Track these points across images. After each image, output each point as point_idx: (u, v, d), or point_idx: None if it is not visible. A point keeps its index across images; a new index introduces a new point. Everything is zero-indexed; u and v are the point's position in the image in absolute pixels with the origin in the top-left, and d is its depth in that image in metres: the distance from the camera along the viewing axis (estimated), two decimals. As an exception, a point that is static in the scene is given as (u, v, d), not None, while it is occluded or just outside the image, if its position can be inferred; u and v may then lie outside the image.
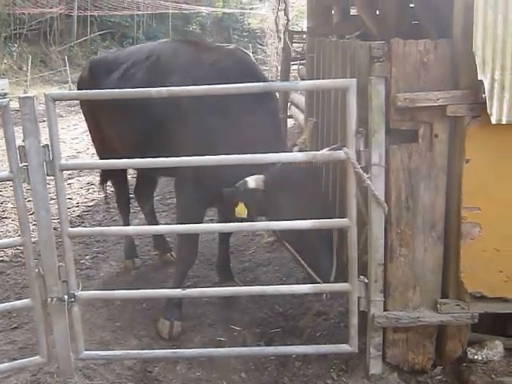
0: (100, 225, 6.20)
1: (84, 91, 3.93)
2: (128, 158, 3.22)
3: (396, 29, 4.27)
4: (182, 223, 3.67)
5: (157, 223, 5.38)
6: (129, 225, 5.10)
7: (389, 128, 2.83)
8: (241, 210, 3.29)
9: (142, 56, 4.21)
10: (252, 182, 3.26)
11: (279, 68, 10.84)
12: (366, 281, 3.00)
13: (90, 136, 5.03)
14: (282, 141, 3.84)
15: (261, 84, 2.91)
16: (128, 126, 4.11)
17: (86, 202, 7.23)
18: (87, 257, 5.33)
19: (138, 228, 3.80)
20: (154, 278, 4.77)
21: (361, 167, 2.81)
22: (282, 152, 3.21)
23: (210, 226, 3.90)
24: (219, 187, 3.33)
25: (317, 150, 4.47)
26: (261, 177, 3.27)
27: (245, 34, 34.03)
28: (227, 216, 3.40)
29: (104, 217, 6.54)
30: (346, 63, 3.39)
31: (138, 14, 30.41)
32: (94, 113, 4.52)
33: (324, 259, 3.28)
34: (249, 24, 34.09)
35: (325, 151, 3.15)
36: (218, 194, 3.34)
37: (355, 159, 2.81)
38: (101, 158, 4.82)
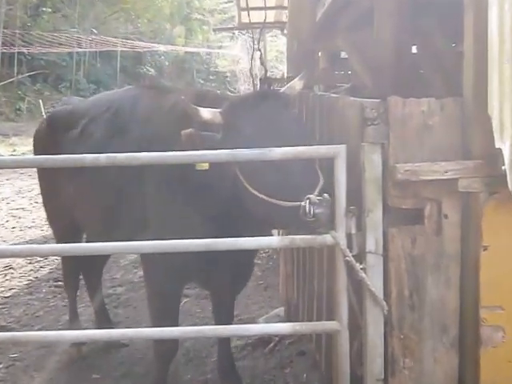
0: (19, 323, 6.09)
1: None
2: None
3: (394, 80, 4.40)
4: (153, 306, 3.88)
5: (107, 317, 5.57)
6: (76, 312, 5.45)
7: (387, 206, 2.87)
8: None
9: (102, 108, 4.47)
10: (206, 111, 3.24)
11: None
12: (361, 401, 2.96)
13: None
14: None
15: (224, 152, 2.94)
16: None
17: (1, 292, 7.10)
18: (0, 365, 5.20)
19: (80, 333, 3.72)
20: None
21: (353, 255, 2.83)
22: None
23: (195, 330, 3.81)
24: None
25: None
26: (216, 110, 3.29)
27: (212, 77, 34.79)
28: (222, 301, 3.43)
29: (24, 312, 6.43)
30: (334, 124, 3.46)
31: (78, 52, 30.90)
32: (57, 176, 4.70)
33: None
34: (217, 66, 34.90)
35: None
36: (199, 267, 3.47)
37: (345, 245, 2.83)
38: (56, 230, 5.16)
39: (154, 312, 4.08)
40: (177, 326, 4.04)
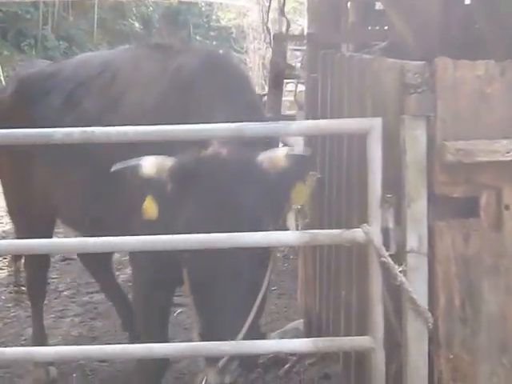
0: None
1: None
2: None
3: (442, 37, 4.38)
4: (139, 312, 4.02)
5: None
6: (42, 324, 5.47)
7: (433, 195, 2.88)
8: (149, 206, 3.36)
9: (93, 71, 4.49)
10: (150, 165, 3.28)
11: (266, 88, 11.00)
12: None
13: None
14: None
15: (231, 126, 2.95)
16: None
17: None
18: None
19: (49, 350, 3.72)
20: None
21: (390, 255, 2.83)
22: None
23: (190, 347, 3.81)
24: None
25: (320, 221, 4.60)
26: (167, 160, 3.31)
27: (213, 33, 34.68)
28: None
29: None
30: (366, 92, 3.46)
31: (45, 2, 30.86)
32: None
33: None
34: (219, 20, 34.77)
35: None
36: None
37: (381, 243, 2.84)
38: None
39: (139, 319, 4.23)
40: (166, 338, 4.10)
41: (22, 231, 5.27)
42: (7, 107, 4.90)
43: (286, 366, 4.86)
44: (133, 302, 4.36)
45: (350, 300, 3.80)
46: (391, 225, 2.88)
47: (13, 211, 5.41)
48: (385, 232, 2.88)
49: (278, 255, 7.59)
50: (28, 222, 5.11)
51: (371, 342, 2.91)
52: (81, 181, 4.39)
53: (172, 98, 3.87)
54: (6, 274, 7.68)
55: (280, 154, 3.29)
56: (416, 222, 2.86)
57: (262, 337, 3.62)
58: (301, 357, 4.96)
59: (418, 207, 2.86)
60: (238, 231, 3.00)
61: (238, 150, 3.29)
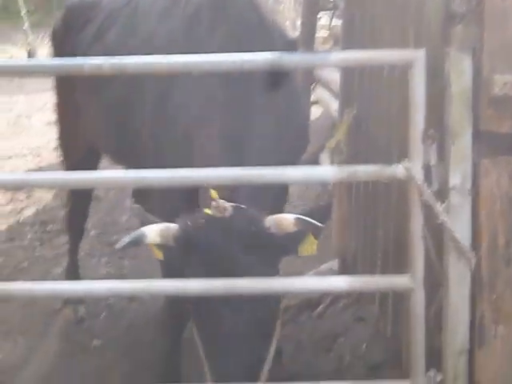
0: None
1: None
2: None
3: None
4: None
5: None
6: (76, 262, 5.70)
7: (478, 130, 2.86)
8: (155, 252, 3.40)
9: (122, 1, 4.66)
10: (154, 234, 3.29)
11: (298, 22, 10.88)
12: (439, 378, 2.99)
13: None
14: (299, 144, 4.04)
15: (267, 56, 2.92)
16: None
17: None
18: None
19: (78, 286, 3.77)
20: (89, 365, 4.81)
21: (432, 193, 2.82)
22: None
23: (223, 284, 3.88)
24: None
25: (357, 158, 4.58)
26: (171, 227, 3.32)
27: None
28: None
29: (4, 263, 6.57)
30: (408, 22, 3.42)
31: None
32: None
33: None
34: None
35: None
36: None
37: (422, 180, 2.82)
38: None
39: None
40: None
41: (66, 164, 5.48)
42: (58, 34, 5.19)
43: (320, 308, 4.90)
44: None
45: (387, 239, 3.81)
46: (433, 161, 2.86)
47: (60, 142, 5.60)
48: (427, 169, 2.86)
49: (311, 195, 7.63)
50: (71, 155, 5.32)
51: (411, 281, 2.90)
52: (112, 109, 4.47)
53: (180, 30, 3.95)
54: (32, 213, 7.77)
55: (289, 219, 3.23)
56: (460, 159, 2.85)
57: None
58: (335, 299, 4.99)
59: (463, 143, 2.84)
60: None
61: (243, 210, 3.28)
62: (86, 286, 3.63)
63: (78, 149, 5.19)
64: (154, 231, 3.27)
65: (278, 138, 3.73)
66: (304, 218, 3.19)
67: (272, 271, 3.33)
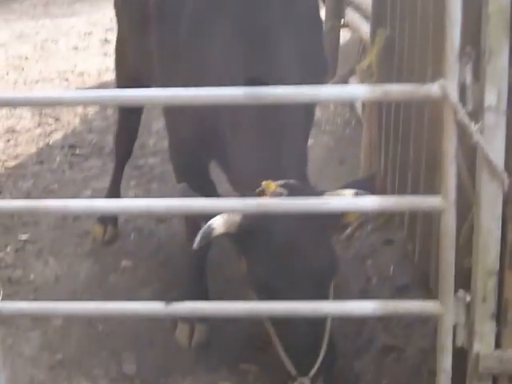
0: (28, 197, 6.27)
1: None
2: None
3: None
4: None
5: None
6: (119, 183, 5.89)
7: (516, 48, 2.80)
8: None
9: None
10: (220, 225, 3.47)
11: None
12: (468, 299, 3.00)
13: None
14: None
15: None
16: None
17: (5, 161, 7.29)
18: (8, 248, 5.41)
19: (112, 203, 3.80)
20: (119, 285, 4.86)
21: (467, 113, 2.79)
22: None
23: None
24: None
25: (389, 80, 4.54)
26: (235, 217, 3.49)
27: None
28: None
29: (34, 185, 6.61)
30: None
31: None
32: None
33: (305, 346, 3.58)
34: None
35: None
36: None
37: (457, 99, 2.79)
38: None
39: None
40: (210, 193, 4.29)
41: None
42: None
43: (348, 231, 4.91)
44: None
45: (419, 161, 3.79)
46: (469, 80, 2.82)
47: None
48: (462, 88, 2.82)
49: (339, 121, 7.60)
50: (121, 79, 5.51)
51: (443, 202, 2.88)
52: None
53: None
54: (61, 136, 7.80)
55: (348, 194, 3.48)
56: (496, 78, 2.80)
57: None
58: (363, 222, 5.00)
59: (499, 61, 2.79)
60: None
61: (299, 189, 3.47)
62: (121, 203, 3.65)
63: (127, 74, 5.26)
64: (220, 223, 3.45)
65: (300, 50, 3.75)
66: (362, 192, 3.45)
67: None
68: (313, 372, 3.47)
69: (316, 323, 3.52)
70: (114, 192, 5.65)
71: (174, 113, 4.21)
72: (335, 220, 3.49)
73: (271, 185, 3.39)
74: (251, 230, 3.47)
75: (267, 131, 3.65)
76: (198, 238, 3.41)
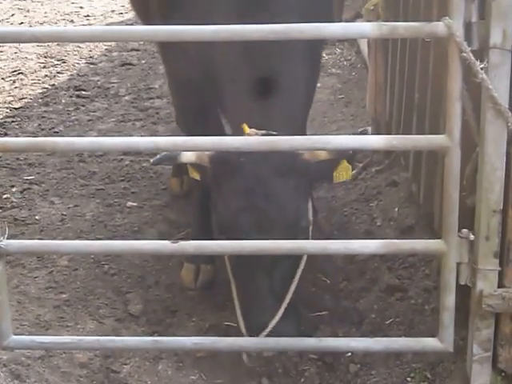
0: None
1: None
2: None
3: None
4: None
5: None
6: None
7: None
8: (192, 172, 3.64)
9: None
10: (189, 154, 3.49)
11: None
12: (472, 237, 3.01)
13: None
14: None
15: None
16: None
17: (10, 102, 7.27)
18: (14, 189, 5.42)
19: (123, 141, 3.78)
20: (125, 225, 4.89)
21: (471, 51, 2.77)
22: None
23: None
24: None
25: (395, 20, 4.49)
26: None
27: None
28: None
29: (39, 126, 6.60)
30: None
31: None
32: None
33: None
34: None
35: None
36: None
37: (462, 37, 2.77)
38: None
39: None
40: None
41: None
42: None
43: (353, 172, 4.90)
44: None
45: (424, 101, 3.78)
46: (474, 18, 2.79)
47: None
48: (467, 27, 2.80)
49: (345, 63, 7.55)
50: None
51: (448, 140, 2.88)
52: None
53: None
54: (66, 78, 7.75)
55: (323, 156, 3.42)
56: (501, 16, 2.76)
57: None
58: (368, 163, 5.00)
59: (504, 0, 2.76)
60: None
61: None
62: (127, 140, 3.68)
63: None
64: (190, 153, 3.47)
65: None
66: (366, 131, 3.42)
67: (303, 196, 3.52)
68: (263, 335, 3.37)
69: (278, 283, 3.47)
70: None
71: (169, 52, 4.16)
72: (325, 176, 3.49)
73: (246, 129, 3.38)
74: (221, 162, 3.45)
75: (258, 79, 3.57)
76: (158, 156, 3.46)
